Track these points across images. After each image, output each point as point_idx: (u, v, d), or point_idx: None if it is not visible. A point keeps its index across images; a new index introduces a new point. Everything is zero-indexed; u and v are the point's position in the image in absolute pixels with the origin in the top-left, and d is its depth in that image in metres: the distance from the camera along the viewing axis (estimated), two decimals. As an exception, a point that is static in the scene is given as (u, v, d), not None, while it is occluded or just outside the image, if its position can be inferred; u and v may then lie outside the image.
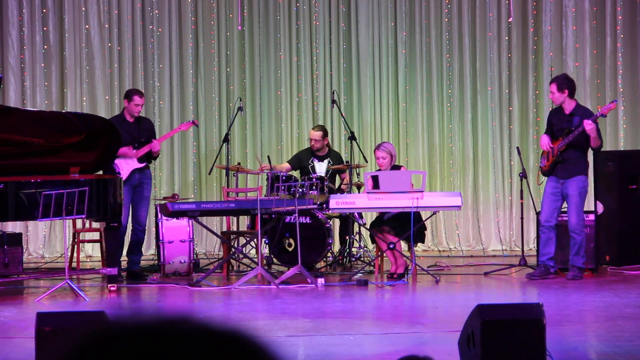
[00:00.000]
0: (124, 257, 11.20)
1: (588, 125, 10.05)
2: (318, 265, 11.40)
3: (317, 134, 11.75)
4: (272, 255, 11.32)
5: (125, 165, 10.75)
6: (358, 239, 11.87)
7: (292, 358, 6.58)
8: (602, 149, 10.75)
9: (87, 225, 11.71)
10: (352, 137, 11.78)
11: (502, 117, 13.34)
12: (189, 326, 1.14)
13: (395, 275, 10.58)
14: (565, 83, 10.37)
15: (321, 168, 11.73)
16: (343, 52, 13.32)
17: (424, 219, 10.84)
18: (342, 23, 13.32)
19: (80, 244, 11.90)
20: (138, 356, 1.10)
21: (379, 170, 10.91)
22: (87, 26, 12.98)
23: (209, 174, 12.49)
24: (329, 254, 11.50)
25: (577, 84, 11.00)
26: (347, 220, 11.56)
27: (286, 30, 13.30)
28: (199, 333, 1.14)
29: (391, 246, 10.53)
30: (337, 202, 10.45)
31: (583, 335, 7.55)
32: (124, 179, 10.50)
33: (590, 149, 10.40)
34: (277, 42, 13.29)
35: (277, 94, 13.28)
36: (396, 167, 10.97)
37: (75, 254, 11.52)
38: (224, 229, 12.19)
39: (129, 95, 10.94)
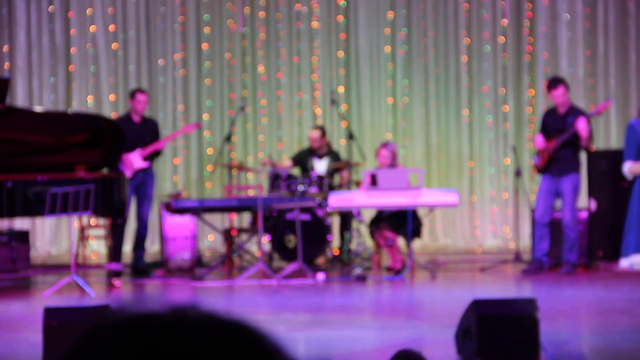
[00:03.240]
0: (128, 253, 11.32)
1: (581, 124, 10.17)
2: (318, 261, 11.49)
3: (316, 134, 11.82)
4: (273, 252, 11.39)
5: (128, 169, 10.82)
6: (357, 236, 11.96)
7: (293, 351, 6.69)
8: (595, 148, 10.83)
9: (93, 222, 11.81)
10: (351, 136, 11.87)
11: (497, 116, 13.45)
12: (194, 315, 1.13)
13: (393, 271, 10.68)
14: (567, 84, 10.56)
15: (321, 167, 11.80)
16: (342, 52, 13.40)
17: (421, 216, 10.95)
18: (341, 23, 13.39)
19: (86, 240, 11.98)
20: (143, 345, 1.09)
21: (379, 167, 11.01)
22: (92, 28, 13.07)
23: (212, 172, 12.57)
24: (329, 250, 11.61)
25: (570, 84, 11.15)
26: (346, 217, 11.66)
27: (287, 31, 13.39)
28: (205, 321, 1.13)
29: (389, 242, 10.62)
30: (336, 200, 10.51)
31: (576, 329, 7.63)
32: (128, 177, 10.59)
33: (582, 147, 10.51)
34: (277, 42, 13.37)
35: (278, 94, 13.34)
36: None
37: (81, 250, 11.62)
38: (226, 226, 12.27)
39: (132, 94, 11.08)
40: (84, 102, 13.02)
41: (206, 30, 13.29)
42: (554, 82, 10.57)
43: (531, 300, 6.07)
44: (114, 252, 10.16)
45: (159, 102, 13.17)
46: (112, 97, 13.10)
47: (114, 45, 13.11)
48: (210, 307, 1.14)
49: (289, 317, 8.18)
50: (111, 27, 13.09)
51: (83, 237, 11.62)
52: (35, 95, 13.03)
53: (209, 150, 13.22)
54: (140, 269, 10.93)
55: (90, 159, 10.18)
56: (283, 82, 13.34)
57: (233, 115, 12.75)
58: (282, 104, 13.35)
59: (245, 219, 12.10)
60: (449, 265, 11.59)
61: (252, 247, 12.08)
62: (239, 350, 1.11)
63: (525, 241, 12.52)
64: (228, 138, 11.95)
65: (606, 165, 11.24)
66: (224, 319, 1.14)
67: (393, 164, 10.97)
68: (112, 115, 12.30)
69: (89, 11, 13.05)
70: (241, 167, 11.70)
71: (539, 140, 10.56)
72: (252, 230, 11.33)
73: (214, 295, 9.53)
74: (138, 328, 1.10)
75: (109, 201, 9.87)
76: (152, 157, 11.07)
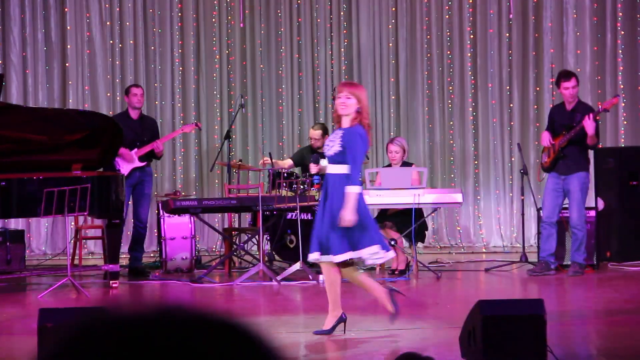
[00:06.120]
0: (126, 254, 11.23)
1: (587, 123, 10.06)
2: (320, 262, 11.39)
3: (317, 133, 11.75)
4: (273, 252, 11.34)
5: (126, 163, 10.77)
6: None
7: (292, 353, 6.59)
8: (603, 146, 10.78)
9: (89, 222, 11.72)
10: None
11: (502, 114, 13.37)
12: (183, 313, 1.14)
13: (396, 272, 10.59)
14: (578, 79, 10.53)
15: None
16: (344, 48, 13.34)
17: (425, 216, 10.85)
18: (342, 20, 13.34)
19: (82, 240, 11.90)
20: (132, 344, 1.09)
21: (389, 165, 10.92)
22: (88, 23, 13.00)
23: (211, 170, 12.50)
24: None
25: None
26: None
27: (287, 27, 13.33)
28: (194, 320, 1.14)
29: (392, 242, 10.55)
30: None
31: (584, 331, 7.55)
32: (123, 174, 10.51)
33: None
34: (278, 39, 13.31)
35: (278, 91, 13.31)
36: (407, 164, 10.96)
37: (77, 251, 11.53)
38: (226, 226, 12.20)
39: (127, 89, 11.09)
40: (80, 100, 12.94)
41: (205, 25, 13.22)
42: (567, 74, 10.54)
43: (538, 301, 6.02)
44: (111, 253, 10.06)
45: (158, 100, 13.09)
46: (108, 94, 13.03)
47: (111, 41, 13.03)
48: (203, 307, 1.13)
49: (290, 318, 8.14)
50: (108, 23, 13.02)
51: (79, 238, 11.52)
52: (30, 92, 12.95)
53: (208, 149, 13.15)
54: (138, 270, 10.86)
55: (88, 157, 10.12)
56: (283, 79, 13.26)
57: (233, 113, 12.68)
58: (283, 101, 13.28)
59: (245, 218, 12.02)
60: (453, 266, 11.54)
61: (252, 247, 11.98)
62: (229, 348, 1.12)
63: (532, 241, 12.47)
64: (227, 136, 11.88)
65: (614, 163, 11.17)
66: (214, 317, 1.15)
67: (405, 159, 10.89)
68: (109, 113, 12.22)
69: (84, 6, 12.96)
70: (241, 166, 11.63)
71: (546, 138, 10.47)
72: (252, 230, 11.24)
73: (213, 297, 9.48)
74: (127, 327, 1.11)
75: (106, 201, 9.80)
76: (149, 157, 10.95)
